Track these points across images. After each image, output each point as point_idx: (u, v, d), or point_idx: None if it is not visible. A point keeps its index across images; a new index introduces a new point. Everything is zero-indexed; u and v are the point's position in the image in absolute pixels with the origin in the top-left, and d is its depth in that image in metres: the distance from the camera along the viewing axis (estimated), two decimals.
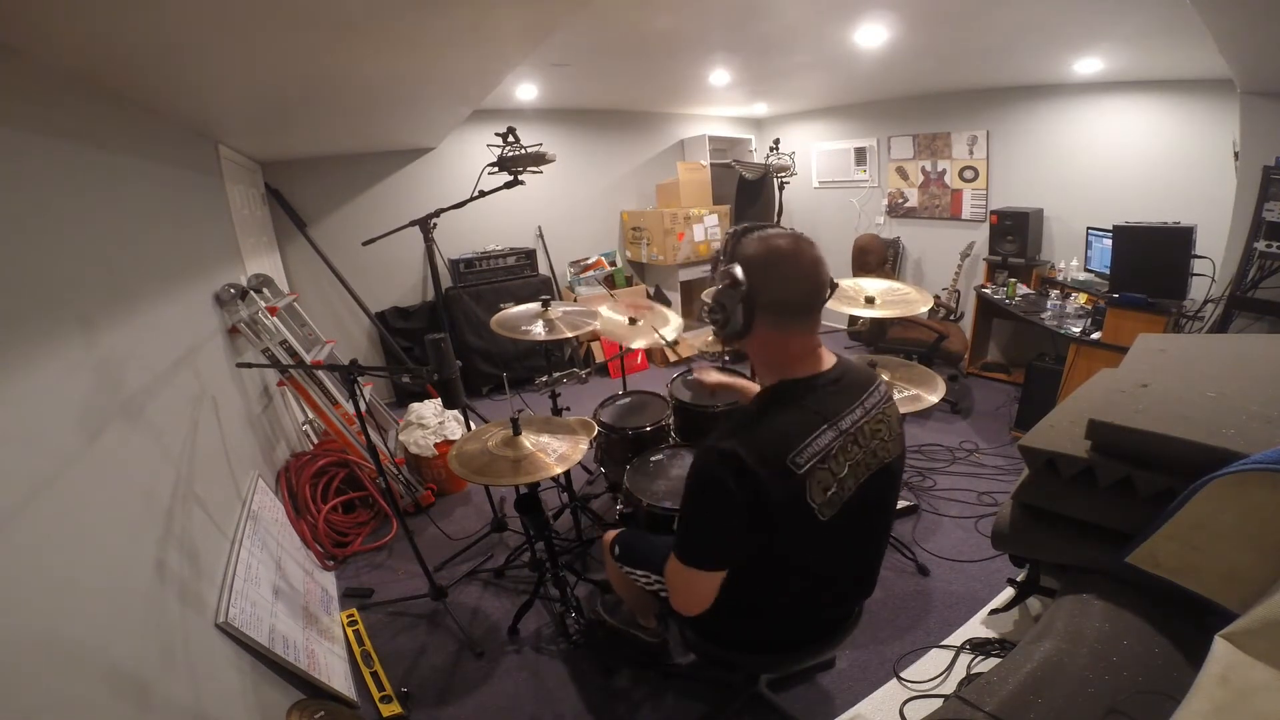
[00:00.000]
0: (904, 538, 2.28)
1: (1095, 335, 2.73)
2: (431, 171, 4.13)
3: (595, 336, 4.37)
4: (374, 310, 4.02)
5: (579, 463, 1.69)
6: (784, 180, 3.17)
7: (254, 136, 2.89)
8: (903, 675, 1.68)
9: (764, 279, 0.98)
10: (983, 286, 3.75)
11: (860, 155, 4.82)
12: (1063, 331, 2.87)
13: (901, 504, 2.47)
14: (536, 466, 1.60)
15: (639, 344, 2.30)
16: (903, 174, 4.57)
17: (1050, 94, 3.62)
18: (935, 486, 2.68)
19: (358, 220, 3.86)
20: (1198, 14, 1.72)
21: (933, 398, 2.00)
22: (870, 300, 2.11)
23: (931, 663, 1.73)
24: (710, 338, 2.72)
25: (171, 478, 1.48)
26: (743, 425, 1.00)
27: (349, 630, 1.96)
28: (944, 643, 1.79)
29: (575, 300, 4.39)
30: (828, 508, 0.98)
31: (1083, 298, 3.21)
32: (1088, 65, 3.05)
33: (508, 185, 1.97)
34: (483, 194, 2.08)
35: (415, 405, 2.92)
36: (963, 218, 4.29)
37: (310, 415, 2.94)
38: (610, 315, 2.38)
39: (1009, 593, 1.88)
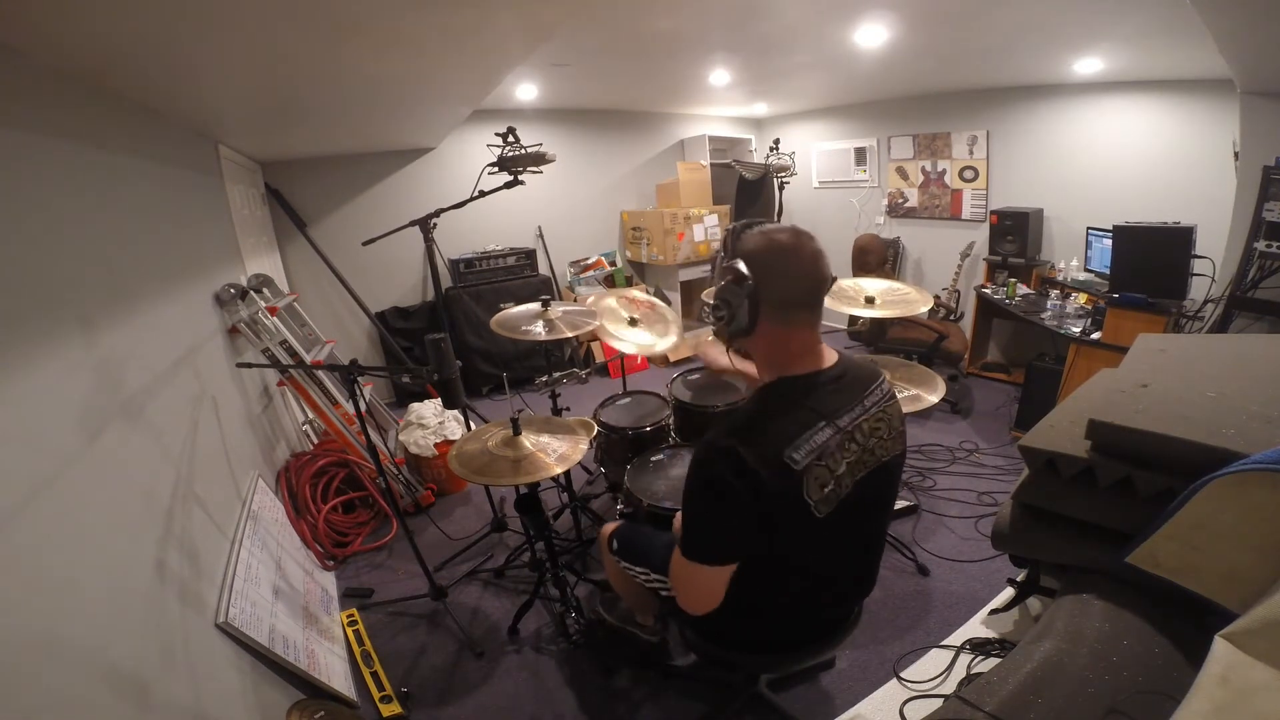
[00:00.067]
0: (904, 538, 2.28)
1: (1095, 335, 2.73)
2: (431, 171, 4.13)
3: (595, 336, 4.37)
4: (374, 310, 4.02)
5: (579, 463, 1.69)
6: (784, 180, 3.17)
7: (254, 136, 2.89)
8: (903, 675, 1.68)
9: (767, 274, 0.98)
10: (983, 286, 3.75)
11: (860, 155, 4.82)
12: (1063, 331, 2.87)
13: (901, 504, 2.47)
14: (536, 466, 1.60)
15: (630, 350, 2.30)
16: (903, 174, 4.57)
17: (1050, 94, 3.62)
18: (935, 486, 2.68)
19: (358, 220, 3.86)
20: (1198, 14, 1.72)
21: (933, 398, 2.00)
22: (870, 300, 2.11)
23: (931, 663, 1.73)
24: (710, 338, 2.71)
25: (171, 478, 1.48)
26: (740, 422, 1.01)
27: (349, 630, 1.96)
28: (944, 643, 1.79)
29: (576, 300, 4.39)
30: (824, 505, 0.98)
31: (1083, 298, 3.21)
32: (1088, 65, 3.05)
33: (508, 185, 1.97)
34: (483, 194, 2.09)
35: (415, 405, 2.92)
36: (963, 218, 4.29)
37: (310, 415, 2.94)
38: (612, 307, 2.38)
39: (1009, 593, 1.88)
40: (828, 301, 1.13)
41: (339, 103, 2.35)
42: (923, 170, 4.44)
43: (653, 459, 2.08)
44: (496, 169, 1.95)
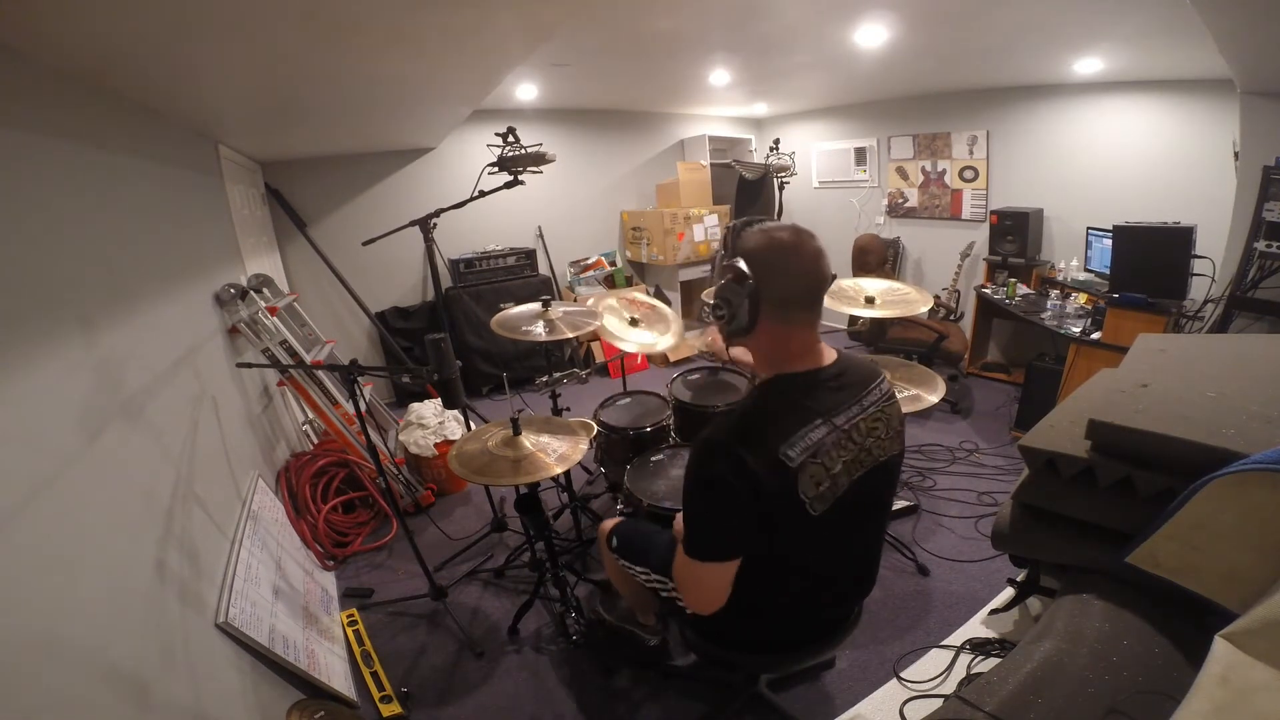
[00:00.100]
0: (904, 538, 2.28)
1: (1095, 335, 2.73)
2: (431, 171, 4.13)
3: (595, 337, 4.37)
4: (374, 310, 4.02)
5: (579, 463, 1.69)
6: (784, 180, 3.17)
7: (254, 136, 2.89)
8: (903, 675, 1.68)
9: (768, 273, 0.98)
10: (983, 286, 3.75)
11: (860, 155, 4.82)
12: (1063, 331, 2.87)
13: (901, 504, 2.47)
14: (536, 466, 1.60)
15: (632, 348, 2.30)
16: (903, 174, 4.57)
17: (1050, 94, 3.62)
18: (935, 486, 2.68)
19: (358, 220, 3.86)
20: (1198, 14, 1.72)
21: (933, 398, 2.00)
22: (870, 300, 2.12)
23: (931, 663, 1.73)
24: (710, 337, 2.71)
25: (171, 478, 1.48)
26: (737, 419, 1.01)
27: (349, 630, 1.96)
28: (944, 643, 1.79)
29: (575, 300, 4.39)
30: (819, 502, 0.98)
31: (1083, 298, 3.21)
32: (1088, 65, 3.05)
33: (508, 185, 1.97)
34: (483, 194, 2.09)
35: (415, 405, 2.92)
36: (963, 218, 4.29)
37: (310, 415, 2.94)
38: (613, 307, 2.38)
39: (1009, 593, 1.88)
40: (828, 301, 1.13)
41: (339, 103, 2.35)
42: (923, 170, 4.43)
43: (653, 459, 2.08)
44: (496, 169, 1.95)
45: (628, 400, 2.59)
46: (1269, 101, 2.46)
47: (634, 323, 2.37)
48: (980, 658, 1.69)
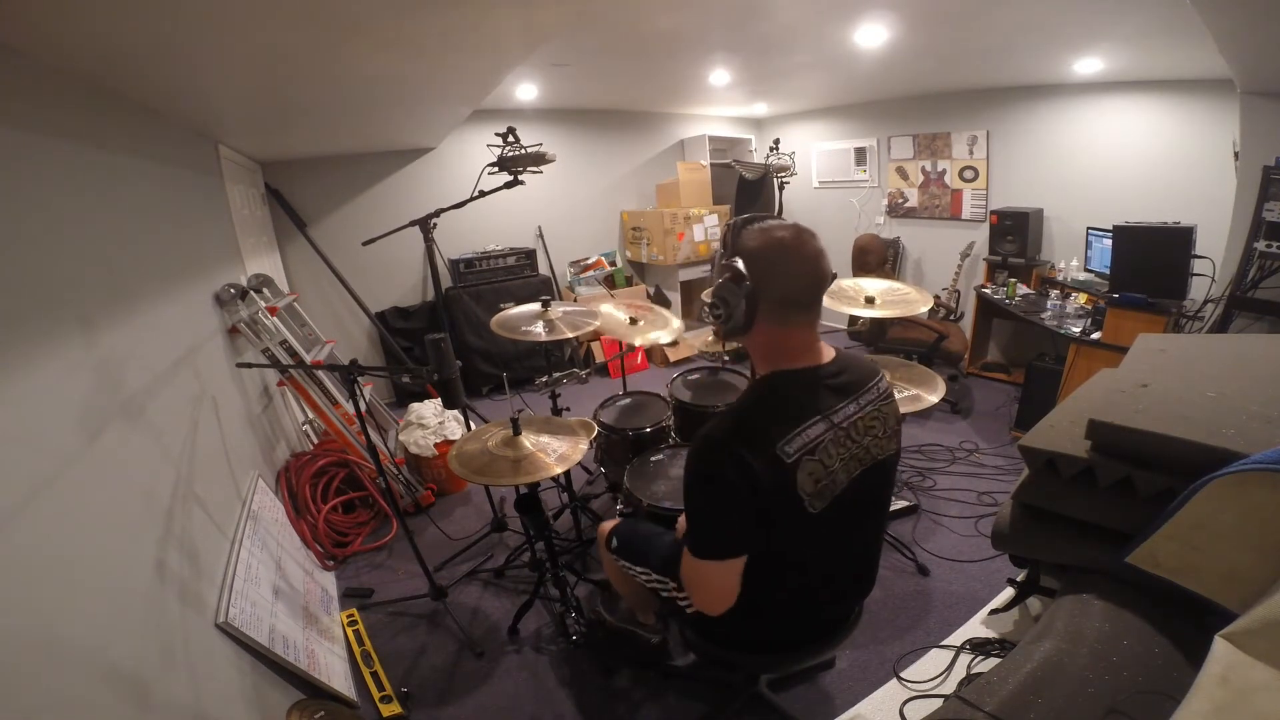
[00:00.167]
0: (904, 538, 2.28)
1: (1095, 335, 2.73)
2: (431, 171, 4.13)
3: (595, 336, 4.37)
4: (374, 310, 4.02)
5: (579, 463, 1.69)
6: (784, 180, 3.17)
7: (254, 136, 2.89)
8: (903, 675, 1.68)
9: (767, 273, 0.98)
10: (983, 286, 3.75)
11: (860, 155, 4.82)
12: (1063, 331, 2.87)
13: (901, 504, 2.47)
14: (536, 466, 1.60)
15: (639, 341, 2.30)
16: (903, 174, 4.57)
17: (1050, 94, 3.62)
18: (935, 486, 2.68)
19: (358, 220, 3.86)
20: (1198, 14, 1.72)
21: (933, 398, 2.00)
22: (870, 300, 2.12)
23: (931, 663, 1.73)
24: (710, 338, 2.72)
25: (171, 478, 1.48)
26: (734, 416, 1.01)
27: (349, 630, 1.96)
28: (944, 643, 1.79)
29: (575, 300, 4.39)
30: (818, 500, 0.98)
31: (1083, 298, 3.21)
32: (1088, 65, 3.05)
33: (508, 185, 1.97)
34: (483, 194, 2.08)
35: (415, 405, 2.92)
36: (963, 218, 4.29)
37: (310, 415, 2.94)
38: (611, 312, 2.39)
39: (1009, 593, 1.88)
40: (827, 301, 1.13)
41: (339, 103, 2.35)
42: (923, 170, 4.44)
43: (653, 459, 2.08)
44: (496, 169, 1.95)
45: (628, 400, 2.59)
46: (1269, 101, 2.46)
47: (634, 322, 2.37)
48: (980, 658, 1.69)
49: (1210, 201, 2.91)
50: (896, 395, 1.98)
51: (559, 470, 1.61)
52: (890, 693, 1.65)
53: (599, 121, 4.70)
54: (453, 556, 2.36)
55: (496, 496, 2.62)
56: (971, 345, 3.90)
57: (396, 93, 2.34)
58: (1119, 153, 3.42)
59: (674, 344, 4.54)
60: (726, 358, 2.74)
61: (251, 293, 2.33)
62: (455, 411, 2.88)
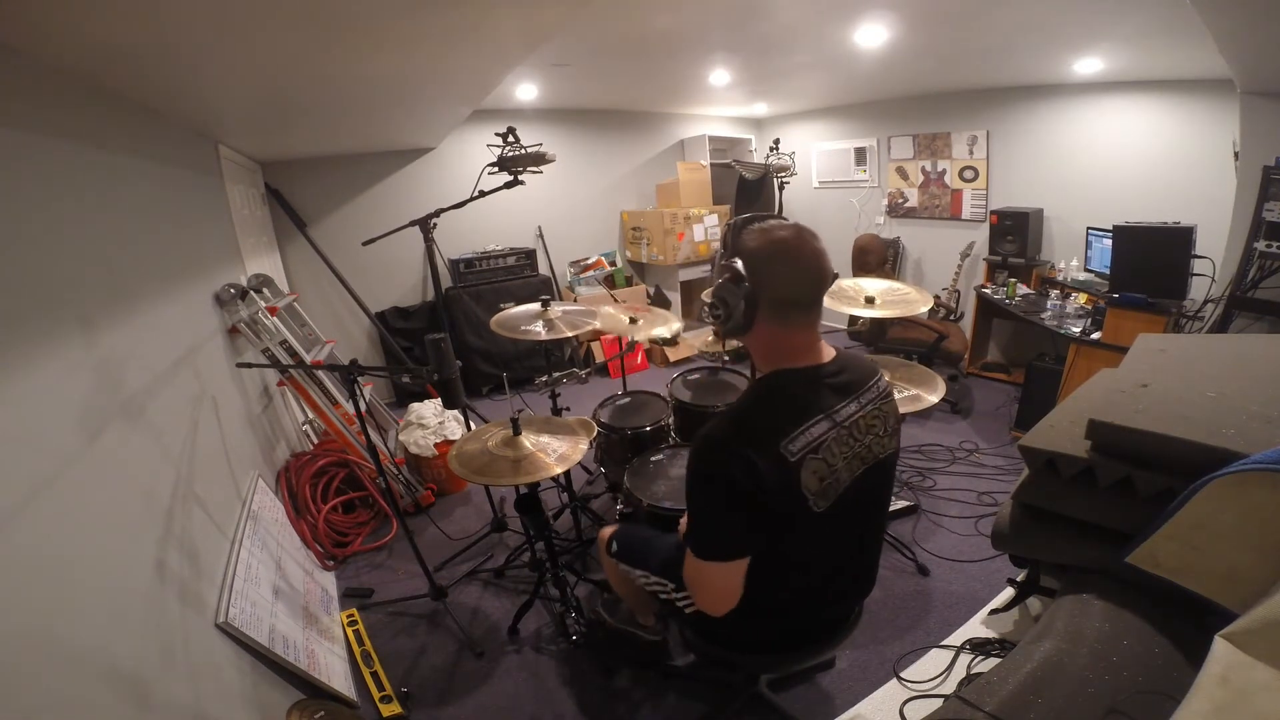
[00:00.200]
0: (904, 538, 2.28)
1: (1095, 335, 2.73)
2: (431, 171, 4.13)
3: (595, 336, 4.37)
4: (374, 310, 4.02)
5: (579, 463, 1.69)
6: (784, 180, 3.17)
7: (254, 136, 2.89)
8: (903, 675, 1.68)
9: (767, 274, 0.98)
10: (983, 286, 3.75)
11: (860, 155, 4.82)
12: (1063, 331, 2.87)
13: (901, 504, 2.47)
14: (536, 466, 1.60)
15: (640, 337, 2.31)
16: (903, 174, 4.57)
17: (1050, 94, 3.62)
18: (935, 486, 2.68)
19: (358, 220, 3.86)
20: (1198, 14, 1.72)
21: (933, 398, 2.00)
22: (870, 300, 2.11)
23: (931, 663, 1.73)
24: (710, 338, 2.72)
25: (171, 478, 1.48)
26: (736, 415, 1.01)
27: (349, 630, 1.96)
28: (944, 643, 1.79)
29: (575, 300, 4.39)
30: (822, 499, 0.98)
31: (1083, 298, 3.21)
32: (1088, 65, 3.05)
33: (508, 185, 1.97)
34: (483, 194, 2.08)
35: (415, 405, 2.92)
36: (963, 218, 4.29)
37: (310, 415, 2.94)
38: (611, 313, 2.39)
39: (1009, 593, 1.88)
40: (827, 301, 1.13)
41: (339, 103, 2.35)
42: (923, 170, 4.43)
43: (652, 459, 2.08)
44: (496, 169, 1.95)
45: (628, 400, 2.59)
46: (1269, 101, 2.46)
47: (633, 321, 2.37)
48: (980, 658, 1.69)
49: (1210, 201, 2.91)
50: (896, 395, 1.98)
51: (559, 470, 1.61)
52: (890, 693, 1.65)
53: (599, 121, 4.70)
54: (453, 556, 2.36)
55: (496, 496, 2.62)
56: (971, 345, 3.90)
57: (397, 93, 2.34)
58: (1119, 153, 3.42)
59: (674, 344, 4.55)
60: (726, 358, 2.74)
61: (251, 293, 2.33)
62: (455, 411, 2.88)
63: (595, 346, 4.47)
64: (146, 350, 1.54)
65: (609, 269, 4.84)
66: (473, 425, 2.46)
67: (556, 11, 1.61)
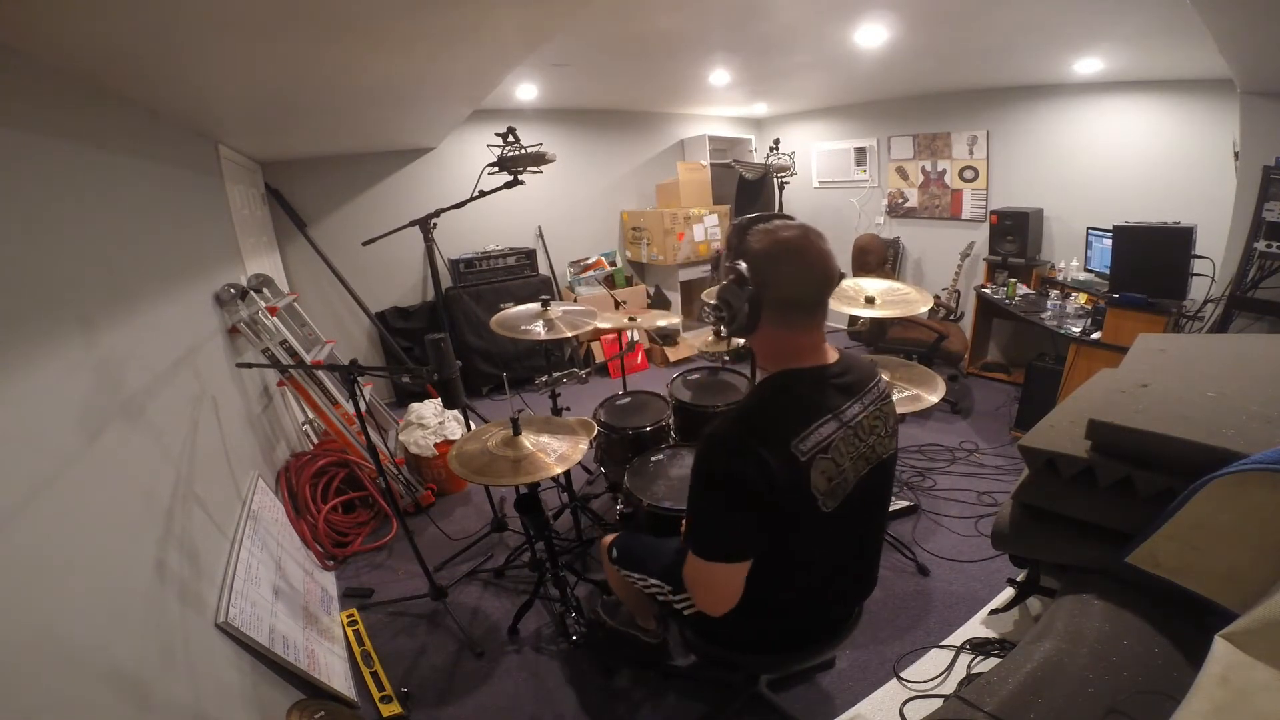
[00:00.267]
0: (904, 538, 2.28)
1: (1095, 335, 2.73)
2: (431, 171, 4.13)
3: (595, 336, 4.37)
4: (374, 310, 4.02)
5: (579, 463, 1.69)
6: (784, 180, 3.17)
7: (254, 136, 2.89)
8: (903, 675, 1.68)
9: (771, 276, 0.97)
10: (983, 286, 3.75)
11: (860, 155, 4.82)
12: (1063, 331, 2.87)
13: (901, 504, 2.47)
14: (536, 466, 1.60)
15: (649, 326, 2.32)
16: (903, 174, 4.57)
17: (1050, 94, 3.62)
18: (935, 486, 2.68)
19: (358, 220, 3.86)
20: (1198, 14, 1.72)
21: (933, 398, 2.00)
22: (870, 300, 2.11)
23: (931, 663, 1.73)
24: (710, 338, 2.72)
25: (171, 478, 1.48)
26: (745, 413, 1.00)
27: (349, 630, 1.96)
28: (944, 643, 1.79)
29: (575, 300, 4.39)
30: (830, 499, 0.98)
31: (1083, 298, 3.21)
32: (1088, 65, 3.05)
33: (508, 185, 1.97)
34: (483, 194, 2.08)
35: (415, 405, 2.92)
36: (963, 218, 4.29)
37: (310, 415, 2.94)
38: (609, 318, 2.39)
39: (1009, 593, 1.88)
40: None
41: (339, 103, 2.35)
42: (923, 170, 4.43)
43: (653, 459, 2.08)
44: (496, 169, 1.95)
45: (628, 400, 2.59)
46: (1269, 101, 2.46)
47: (632, 320, 2.38)
48: (980, 658, 1.69)
49: (1210, 201, 2.91)
50: (896, 395, 1.99)
51: (559, 470, 1.61)
52: (890, 693, 1.65)
53: (599, 121, 4.70)
54: (453, 556, 2.36)
55: (496, 496, 2.62)
56: (971, 345, 3.90)
57: (397, 93, 2.34)
58: (1119, 153, 3.42)
59: (674, 343, 4.55)
60: (726, 358, 2.74)
61: (251, 293, 2.33)
62: (455, 411, 2.88)
63: (595, 346, 4.47)
64: (146, 350, 1.54)
65: (609, 269, 4.84)
66: (473, 425, 2.46)
67: (556, 11, 1.60)
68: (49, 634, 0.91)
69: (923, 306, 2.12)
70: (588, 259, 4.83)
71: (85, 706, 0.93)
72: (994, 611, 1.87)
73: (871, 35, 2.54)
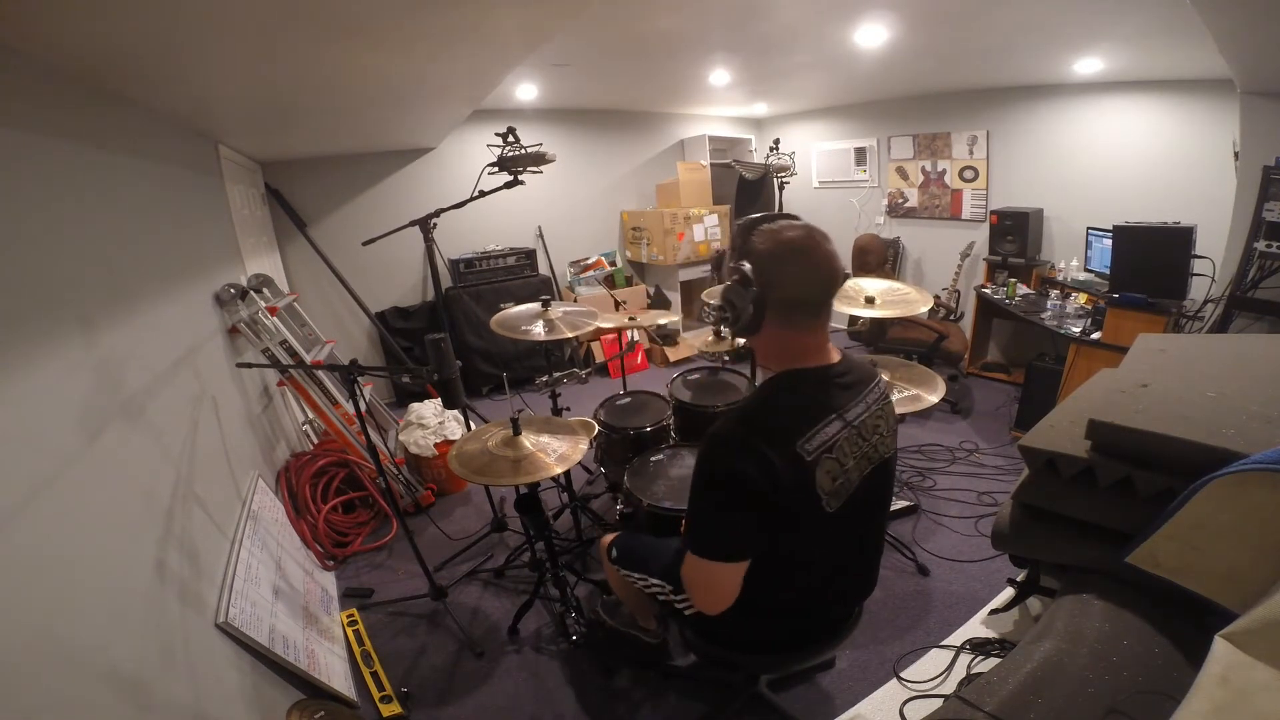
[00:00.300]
0: (904, 538, 2.28)
1: (1095, 335, 2.73)
2: (431, 171, 4.13)
3: (595, 336, 4.37)
4: (374, 310, 4.02)
5: (579, 463, 1.69)
6: (784, 180, 3.17)
7: (254, 136, 2.89)
8: (903, 675, 1.68)
9: (776, 276, 0.97)
10: (983, 286, 3.75)
11: (860, 155, 4.82)
12: (1063, 331, 2.87)
13: (901, 504, 2.47)
14: (536, 466, 1.60)
15: (648, 323, 2.32)
16: (903, 174, 4.57)
17: (1050, 94, 3.62)
18: (935, 486, 2.68)
19: (358, 220, 3.86)
20: (1198, 14, 1.72)
21: (933, 398, 2.00)
22: (870, 300, 2.11)
23: (931, 663, 1.73)
24: (710, 338, 2.71)
25: (171, 478, 1.48)
26: (750, 412, 1.00)
27: (349, 630, 1.96)
28: (944, 643, 1.79)
29: (575, 300, 4.39)
30: (834, 499, 0.98)
31: (1083, 298, 3.21)
32: (1088, 65, 3.05)
33: (508, 185, 1.97)
34: (483, 194, 2.08)
35: (415, 405, 2.92)
36: (963, 218, 4.29)
37: (310, 415, 2.94)
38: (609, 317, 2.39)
39: (1009, 593, 1.88)
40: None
41: (339, 103, 2.35)
42: (923, 170, 4.43)
43: (653, 459, 2.08)
44: (496, 169, 1.95)
45: (628, 400, 2.59)
46: (1269, 101, 2.46)
47: (632, 320, 2.38)
48: (980, 658, 1.69)
49: (1210, 201, 2.91)
50: (896, 395, 1.99)
51: (559, 470, 1.61)
52: (890, 693, 1.65)
53: (599, 121, 4.70)
54: (453, 556, 2.36)
55: (496, 496, 2.62)
56: (971, 345, 3.90)
57: (397, 93, 2.34)
58: (1119, 153, 3.42)
59: (674, 343, 4.55)
60: (726, 358, 2.74)
61: (251, 293, 2.33)
62: (455, 411, 2.88)
63: (595, 346, 4.47)
64: (146, 350, 1.54)
65: (609, 269, 4.84)
66: (473, 425, 2.46)
67: (556, 11, 1.60)
68: (49, 634, 0.91)
69: (923, 306, 2.12)
70: (588, 259, 4.83)
71: (85, 706, 0.93)
72: (994, 611, 1.87)
73: (871, 35, 2.54)
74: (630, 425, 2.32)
